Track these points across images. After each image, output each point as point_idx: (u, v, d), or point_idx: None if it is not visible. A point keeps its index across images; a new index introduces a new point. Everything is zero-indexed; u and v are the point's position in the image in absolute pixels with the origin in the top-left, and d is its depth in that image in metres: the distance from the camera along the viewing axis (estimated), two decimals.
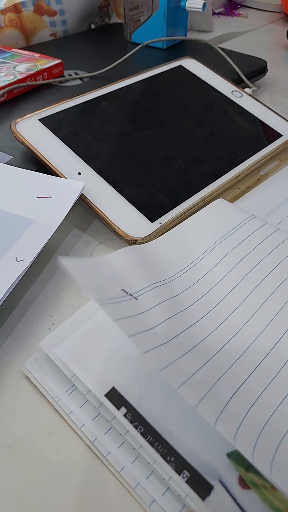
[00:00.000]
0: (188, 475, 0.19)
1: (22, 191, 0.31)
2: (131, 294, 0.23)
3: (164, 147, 0.37)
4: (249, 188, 0.37)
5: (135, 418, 0.20)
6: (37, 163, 0.35)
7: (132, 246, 0.27)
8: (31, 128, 0.35)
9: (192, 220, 0.31)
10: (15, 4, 0.58)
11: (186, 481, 0.19)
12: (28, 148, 0.34)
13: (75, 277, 0.20)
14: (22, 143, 0.34)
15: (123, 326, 0.19)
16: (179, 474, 0.19)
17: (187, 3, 0.56)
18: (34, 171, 0.32)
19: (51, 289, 0.28)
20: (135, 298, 0.23)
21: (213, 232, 0.30)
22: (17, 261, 0.26)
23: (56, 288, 0.28)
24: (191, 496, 0.19)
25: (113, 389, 0.21)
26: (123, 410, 0.21)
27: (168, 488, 0.19)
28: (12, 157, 0.35)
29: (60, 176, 0.33)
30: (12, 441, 0.21)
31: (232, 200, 0.35)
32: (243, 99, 0.45)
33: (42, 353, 0.24)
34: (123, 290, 0.22)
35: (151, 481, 0.20)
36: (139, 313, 0.22)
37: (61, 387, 0.22)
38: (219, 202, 0.32)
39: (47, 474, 0.20)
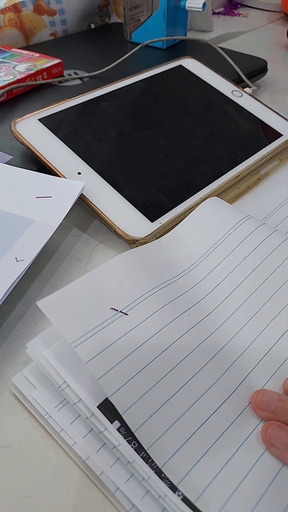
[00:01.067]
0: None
1: (22, 191, 0.31)
2: (121, 311, 0.23)
3: (164, 147, 0.37)
4: (249, 188, 0.37)
5: (129, 432, 0.19)
6: (37, 163, 0.35)
7: (127, 251, 0.27)
8: (31, 128, 0.35)
9: (187, 222, 0.31)
10: (15, 3, 0.58)
11: (182, 499, 0.18)
12: (28, 148, 0.34)
13: (54, 323, 0.22)
14: (22, 143, 0.34)
15: (92, 368, 0.20)
16: (174, 491, 0.18)
17: (187, 2, 0.56)
18: (34, 171, 0.32)
19: (50, 289, 0.28)
20: (125, 313, 0.23)
21: (210, 235, 0.29)
22: (17, 261, 0.26)
23: (55, 288, 0.28)
24: None
25: (106, 400, 0.20)
26: (117, 423, 0.20)
27: (164, 508, 0.18)
28: (12, 157, 0.35)
29: (60, 176, 0.32)
30: (12, 442, 0.21)
31: (232, 200, 0.35)
32: (243, 99, 0.45)
33: (29, 367, 0.23)
34: (112, 308, 0.23)
35: (146, 501, 0.19)
36: (118, 338, 0.22)
37: (51, 402, 0.21)
38: (213, 201, 0.32)
39: (46, 475, 0.20)
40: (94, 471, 0.20)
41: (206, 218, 0.31)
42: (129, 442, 0.19)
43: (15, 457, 0.21)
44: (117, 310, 0.23)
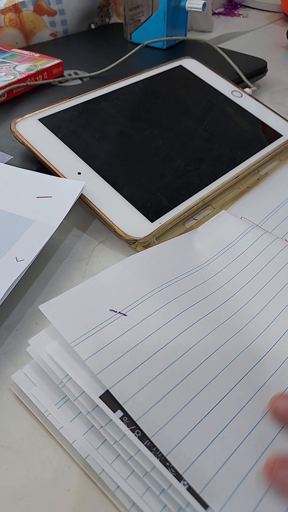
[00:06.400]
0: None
1: (22, 191, 0.31)
2: (120, 312, 0.24)
3: (164, 147, 0.37)
4: (249, 188, 0.37)
5: (132, 422, 0.20)
6: (37, 163, 0.35)
7: (126, 258, 0.27)
8: (31, 128, 0.35)
9: (196, 231, 0.31)
10: (15, 4, 0.58)
11: (187, 489, 0.18)
12: (28, 148, 0.34)
13: (54, 324, 0.22)
14: (22, 143, 0.34)
15: (91, 365, 0.21)
16: (179, 480, 0.18)
17: (187, 3, 0.56)
18: (34, 171, 0.32)
19: (50, 289, 0.28)
20: (124, 314, 0.24)
21: (217, 243, 0.30)
22: (17, 261, 0.26)
23: (55, 288, 0.28)
24: (193, 505, 0.18)
25: (107, 392, 0.20)
26: (119, 413, 0.20)
27: (165, 505, 0.18)
28: (12, 157, 0.35)
29: (60, 176, 0.33)
30: (12, 441, 0.21)
31: (232, 200, 0.35)
32: (243, 99, 0.45)
33: (29, 365, 0.23)
34: (111, 310, 0.24)
35: (146, 498, 0.18)
36: (117, 336, 0.22)
37: (50, 400, 0.21)
38: (222, 214, 0.33)
39: (46, 475, 0.20)
40: (94, 469, 0.20)
41: (213, 229, 0.32)
42: (132, 430, 0.19)
43: (15, 457, 0.21)
44: (116, 312, 0.24)
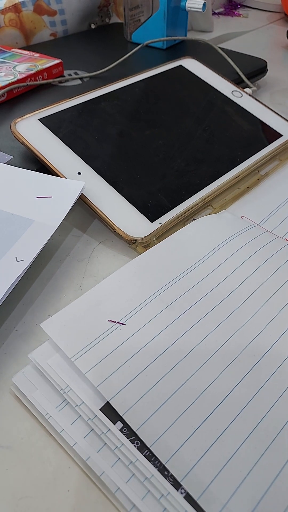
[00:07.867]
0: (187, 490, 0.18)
1: (22, 191, 0.31)
2: (118, 322, 0.24)
3: (164, 147, 0.37)
4: (249, 188, 0.37)
5: (132, 432, 0.20)
6: (37, 163, 0.35)
7: (123, 267, 0.27)
8: (31, 128, 0.35)
9: (191, 226, 0.31)
10: (15, 4, 0.58)
11: (185, 497, 0.18)
12: (28, 148, 0.34)
13: (55, 341, 0.23)
14: (22, 143, 0.34)
15: (91, 377, 0.21)
16: (177, 489, 0.18)
17: (187, 3, 0.56)
18: (34, 171, 0.32)
19: (50, 289, 0.28)
20: (123, 324, 0.24)
21: (213, 238, 0.30)
22: (17, 261, 0.26)
23: (55, 288, 0.28)
24: None
25: (108, 403, 0.21)
26: (119, 424, 0.20)
27: (165, 509, 0.18)
28: (12, 157, 0.35)
29: (60, 176, 0.32)
30: (12, 442, 0.21)
31: (232, 200, 0.35)
32: (243, 99, 0.45)
33: (29, 367, 0.23)
34: (110, 320, 0.24)
35: (147, 501, 0.18)
36: (116, 347, 0.23)
37: (51, 402, 0.22)
38: (222, 213, 0.33)
39: (46, 475, 0.20)
40: (94, 471, 0.20)
41: (210, 225, 0.31)
42: (131, 441, 0.20)
43: (15, 457, 0.21)
44: (114, 322, 0.24)
